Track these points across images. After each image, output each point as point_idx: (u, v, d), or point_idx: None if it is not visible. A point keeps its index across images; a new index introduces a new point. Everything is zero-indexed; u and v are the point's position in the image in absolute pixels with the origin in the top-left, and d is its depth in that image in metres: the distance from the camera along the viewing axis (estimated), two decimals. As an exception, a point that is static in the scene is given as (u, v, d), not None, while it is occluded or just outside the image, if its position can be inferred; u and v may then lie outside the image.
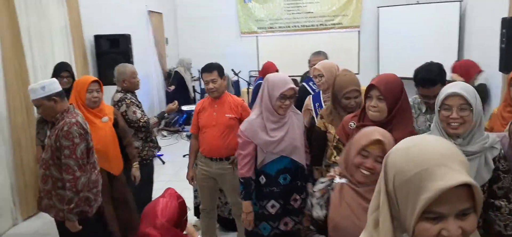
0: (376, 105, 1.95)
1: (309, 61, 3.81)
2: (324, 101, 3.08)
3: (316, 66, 3.14)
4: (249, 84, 8.06)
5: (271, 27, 9.35)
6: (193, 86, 8.53)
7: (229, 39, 9.42)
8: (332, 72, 2.99)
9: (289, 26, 9.26)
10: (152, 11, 7.94)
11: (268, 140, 2.43)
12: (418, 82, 2.39)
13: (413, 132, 1.99)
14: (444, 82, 2.30)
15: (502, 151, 1.83)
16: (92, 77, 3.11)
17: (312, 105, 3.09)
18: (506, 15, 5.48)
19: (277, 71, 5.06)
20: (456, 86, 1.71)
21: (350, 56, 8.97)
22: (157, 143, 3.95)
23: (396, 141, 1.65)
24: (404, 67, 8.44)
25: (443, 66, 2.36)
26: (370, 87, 1.98)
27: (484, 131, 2.61)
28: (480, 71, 3.28)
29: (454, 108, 1.70)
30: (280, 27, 9.31)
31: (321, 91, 3.18)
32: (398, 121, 1.96)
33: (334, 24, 9.02)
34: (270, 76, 2.47)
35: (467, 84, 1.76)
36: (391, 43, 8.39)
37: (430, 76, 2.32)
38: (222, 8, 9.29)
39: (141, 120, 3.60)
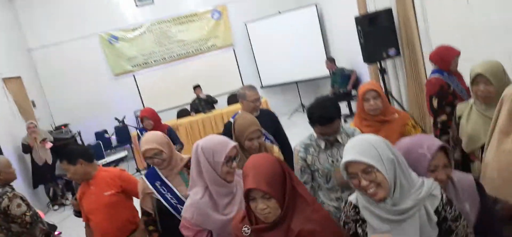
0: (265, 206, 1.55)
1: (244, 95, 3.26)
2: None
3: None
4: (137, 128, 7.70)
5: (146, 63, 9.10)
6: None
7: (104, 84, 8.90)
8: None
9: (165, 58, 9.12)
10: (8, 78, 7.03)
11: (224, 219, 1.93)
12: (315, 121, 2.21)
13: (319, 210, 1.63)
14: (340, 116, 2.26)
15: (444, 196, 1.51)
16: None
17: None
18: (356, 13, 6.28)
19: (157, 116, 4.70)
20: (353, 149, 1.47)
21: (231, 74, 9.25)
22: (49, 227, 3.49)
23: (303, 232, 1.51)
24: (283, 74, 9.13)
25: (336, 100, 2.32)
26: (250, 190, 1.57)
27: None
28: (457, 54, 3.22)
29: (359, 175, 1.45)
30: (155, 60, 9.12)
31: None
32: (295, 207, 1.59)
33: (208, 47, 9.19)
34: (202, 142, 1.97)
35: (364, 137, 1.52)
36: (265, 54, 8.91)
37: (327, 114, 2.16)
38: (86, 55, 8.71)
39: (26, 214, 3.15)
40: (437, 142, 1.64)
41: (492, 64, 2.29)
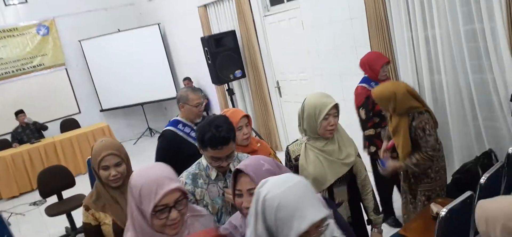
0: None
1: (187, 98, 2.80)
2: None
3: None
4: None
5: None
6: None
7: None
8: None
9: (-26, 79, 7.48)
10: None
11: None
12: (206, 143, 1.87)
13: None
14: (235, 137, 1.93)
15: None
16: None
17: None
18: (201, 33, 6.28)
19: None
20: (313, 202, 1.14)
21: (64, 97, 8.15)
22: None
23: None
24: (126, 96, 8.49)
25: (228, 119, 1.97)
26: None
27: None
28: (386, 62, 3.04)
29: (313, 232, 1.19)
30: (-40, 83, 7.40)
31: None
32: None
33: (34, 66, 7.90)
34: (135, 176, 1.43)
35: (299, 183, 1.17)
36: (104, 75, 8.16)
37: (221, 134, 1.84)
38: None
39: None
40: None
41: (329, 96, 2.18)
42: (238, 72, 5.56)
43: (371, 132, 3.11)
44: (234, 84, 6.00)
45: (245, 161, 1.50)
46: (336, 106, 2.10)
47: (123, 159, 1.98)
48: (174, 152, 2.24)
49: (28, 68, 7.86)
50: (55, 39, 8.06)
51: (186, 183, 1.96)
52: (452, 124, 3.34)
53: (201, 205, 1.95)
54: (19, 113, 6.97)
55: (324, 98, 2.12)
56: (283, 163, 2.19)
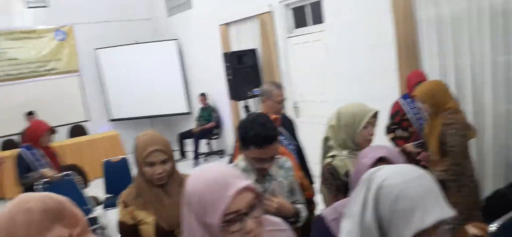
0: None
1: (270, 93, 2.80)
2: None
3: None
4: None
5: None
6: None
7: None
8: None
9: (-10, 78, 7.47)
10: None
11: None
12: (250, 141, 1.76)
13: None
14: (278, 137, 1.85)
15: None
16: None
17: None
18: (219, 49, 6.36)
19: None
20: (438, 198, 1.01)
21: (74, 102, 8.15)
22: None
23: None
24: (137, 108, 8.46)
25: (270, 119, 1.88)
26: None
27: None
28: (421, 81, 3.05)
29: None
30: (-26, 79, 7.39)
31: None
32: None
33: (48, 70, 7.93)
34: (193, 179, 1.08)
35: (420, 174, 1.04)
36: (117, 84, 8.18)
37: (267, 132, 1.74)
38: None
39: None
40: (379, 153, 1.48)
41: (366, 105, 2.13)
42: (256, 90, 5.61)
43: (391, 135, 3.40)
44: (251, 102, 6.03)
45: (380, 149, 1.50)
46: (375, 115, 2.01)
47: (170, 157, 1.86)
48: None
49: (41, 71, 7.87)
50: (71, 46, 8.13)
51: None
52: (481, 152, 3.37)
53: None
54: (29, 114, 6.94)
55: (363, 106, 2.03)
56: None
